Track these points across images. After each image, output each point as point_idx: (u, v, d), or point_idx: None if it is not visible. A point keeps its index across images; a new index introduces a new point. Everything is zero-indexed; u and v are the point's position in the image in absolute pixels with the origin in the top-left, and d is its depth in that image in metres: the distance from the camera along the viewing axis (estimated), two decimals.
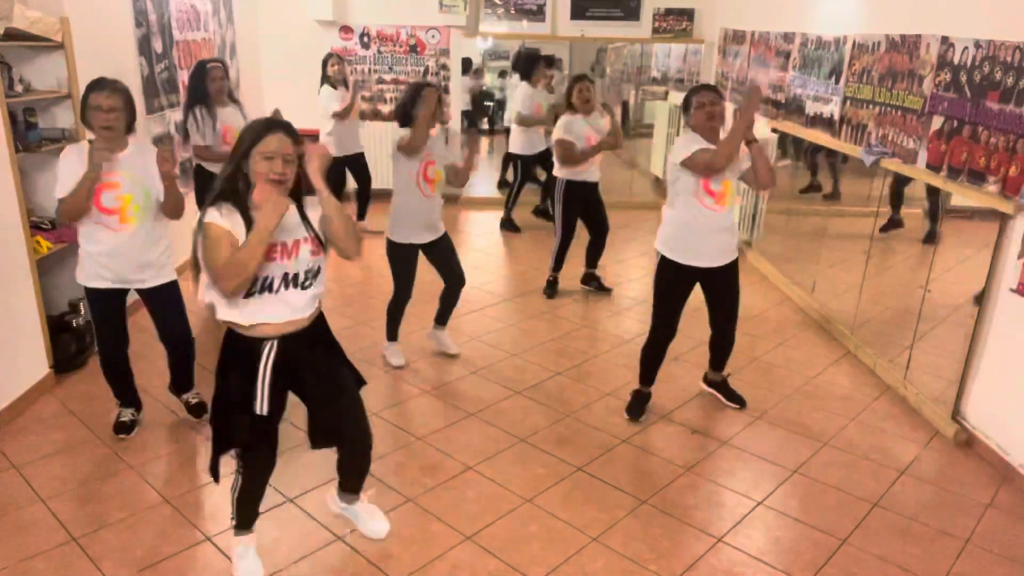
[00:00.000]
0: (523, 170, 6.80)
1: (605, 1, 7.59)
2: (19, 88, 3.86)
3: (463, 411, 3.75)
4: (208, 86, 4.62)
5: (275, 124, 2.27)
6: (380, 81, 7.71)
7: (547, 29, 7.69)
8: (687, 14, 7.62)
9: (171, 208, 3.19)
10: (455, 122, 7.89)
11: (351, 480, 2.76)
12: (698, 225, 3.42)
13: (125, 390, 3.47)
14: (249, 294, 2.27)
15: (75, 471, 3.17)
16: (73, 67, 4.04)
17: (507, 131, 7.53)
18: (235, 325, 2.33)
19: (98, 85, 3.00)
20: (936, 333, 4.02)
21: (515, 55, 7.36)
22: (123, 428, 3.43)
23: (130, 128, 3.10)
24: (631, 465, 3.33)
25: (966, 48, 3.59)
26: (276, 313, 2.32)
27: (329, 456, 3.33)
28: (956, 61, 3.66)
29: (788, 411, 3.83)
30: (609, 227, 5.32)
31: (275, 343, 2.35)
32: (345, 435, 2.60)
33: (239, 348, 2.36)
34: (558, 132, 4.99)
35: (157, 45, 5.11)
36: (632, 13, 7.63)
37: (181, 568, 2.64)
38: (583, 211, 5.24)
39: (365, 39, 7.63)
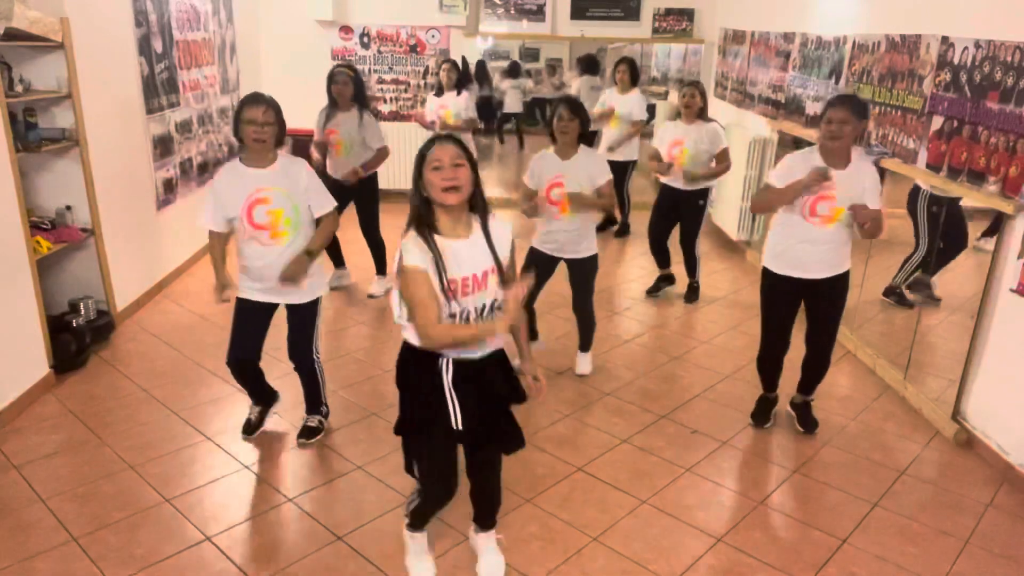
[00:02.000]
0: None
1: (605, 1, 7.59)
2: (19, 88, 3.86)
3: None
4: (330, 90, 4.83)
5: (439, 137, 2.26)
6: (380, 81, 7.71)
7: (547, 29, 7.69)
8: (687, 14, 7.62)
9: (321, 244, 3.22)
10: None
11: (478, 512, 2.71)
12: (798, 236, 3.26)
13: (257, 392, 3.47)
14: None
15: (75, 471, 3.17)
16: (73, 67, 4.04)
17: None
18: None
19: (253, 100, 3.04)
20: (936, 333, 4.02)
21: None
22: (247, 428, 3.46)
23: (280, 142, 3.11)
24: (631, 465, 3.33)
25: (966, 48, 3.59)
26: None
27: (328, 456, 3.34)
28: (956, 61, 3.66)
29: (788, 411, 3.83)
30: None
31: (450, 360, 2.30)
32: (476, 479, 2.61)
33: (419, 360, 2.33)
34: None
35: (157, 45, 5.11)
36: (632, 13, 7.63)
37: (181, 568, 2.64)
38: None
39: (365, 39, 7.63)
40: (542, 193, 3.78)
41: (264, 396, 3.51)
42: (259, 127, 3.00)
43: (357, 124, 4.85)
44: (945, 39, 3.76)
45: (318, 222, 3.20)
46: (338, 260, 5.36)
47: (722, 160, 4.99)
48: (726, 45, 7.29)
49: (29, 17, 3.66)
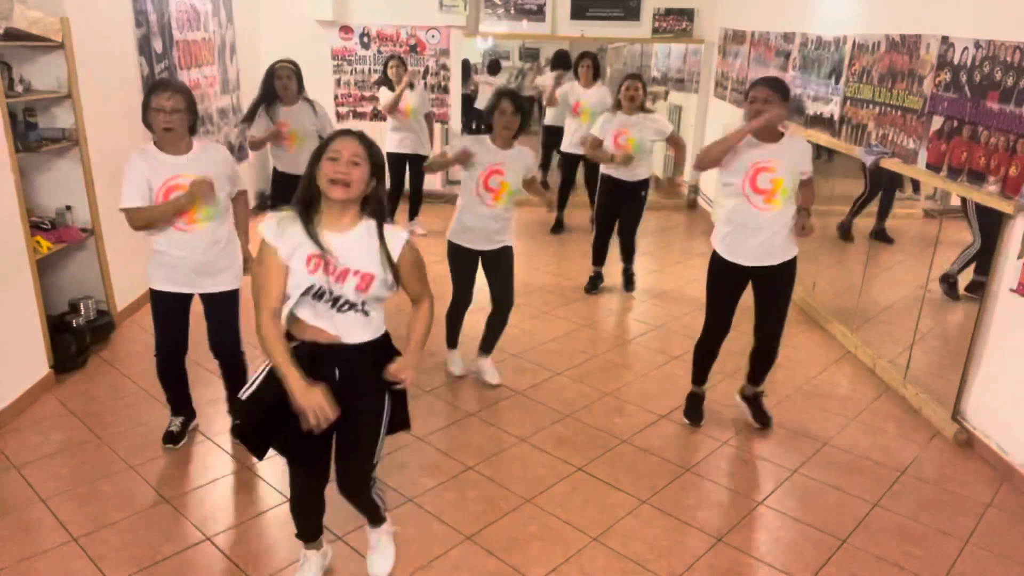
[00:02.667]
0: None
1: (605, 1, 7.58)
2: (19, 88, 3.86)
3: (463, 411, 3.75)
4: (273, 85, 4.80)
5: (347, 131, 2.20)
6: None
7: (547, 29, 7.69)
8: (687, 14, 7.62)
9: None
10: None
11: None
12: (745, 222, 3.30)
13: (177, 397, 3.41)
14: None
15: (75, 471, 3.17)
16: (73, 67, 4.03)
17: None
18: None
19: (160, 86, 2.99)
20: (936, 333, 4.02)
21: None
22: (171, 438, 3.37)
23: (193, 129, 3.06)
24: (631, 465, 3.33)
25: (966, 48, 3.59)
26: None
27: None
28: (956, 61, 3.66)
29: (788, 411, 3.83)
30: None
31: (300, 345, 2.24)
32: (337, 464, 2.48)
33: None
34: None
35: (157, 45, 5.11)
36: (632, 13, 7.63)
37: (181, 568, 2.64)
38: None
39: (365, 39, 7.63)
40: (478, 177, 3.67)
41: (183, 407, 3.44)
42: (167, 115, 2.92)
43: (311, 116, 4.81)
44: (945, 39, 3.76)
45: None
46: None
47: (676, 144, 5.25)
48: (726, 45, 7.29)
49: (29, 17, 3.66)
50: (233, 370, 3.35)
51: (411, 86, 6.26)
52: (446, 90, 7.78)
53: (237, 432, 2.33)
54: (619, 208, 5.31)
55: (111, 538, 2.77)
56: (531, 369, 4.21)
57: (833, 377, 4.23)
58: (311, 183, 2.17)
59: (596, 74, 6.48)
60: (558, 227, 7.04)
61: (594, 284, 5.50)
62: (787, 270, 3.39)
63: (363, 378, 2.28)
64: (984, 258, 3.92)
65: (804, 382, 4.14)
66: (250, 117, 4.84)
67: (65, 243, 4.07)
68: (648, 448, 3.46)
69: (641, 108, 5.06)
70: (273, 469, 3.25)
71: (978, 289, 3.84)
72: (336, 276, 2.16)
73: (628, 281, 5.53)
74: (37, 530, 2.81)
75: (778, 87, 3.24)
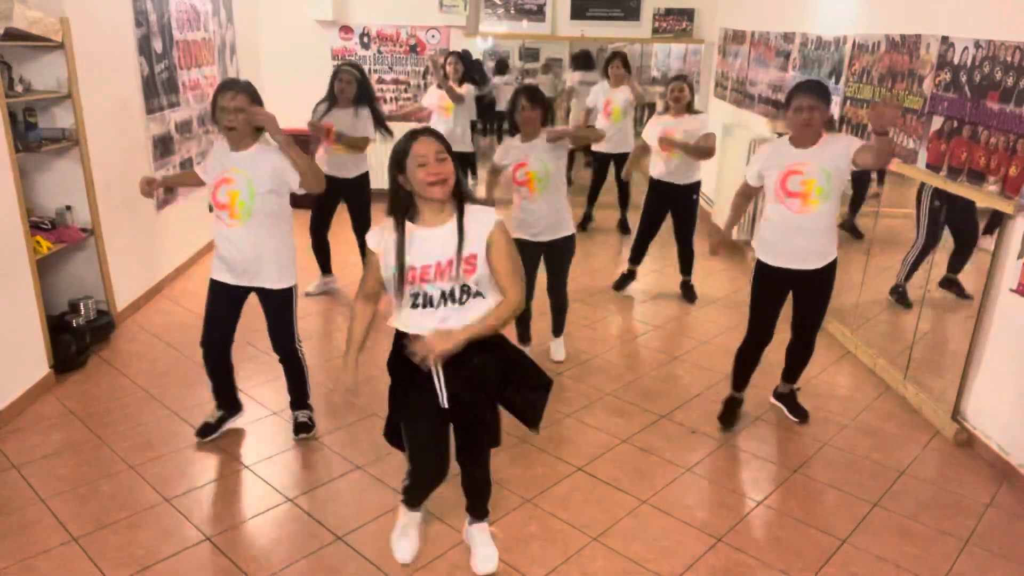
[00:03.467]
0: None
1: (605, 1, 7.59)
2: (19, 88, 3.86)
3: None
4: (333, 86, 4.86)
5: (417, 131, 2.28)
6: (380, 81, 7.71)
7: (547, 29, 7.69)
8: (687, 14, 7.62)
9: (308, 176, 3.09)
10: None
11: (468, 502, 2.74)
12: (786, 225, 3.31)
13: (219, 390, 3.44)
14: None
15: (75, 471, 3.17)
16: (73, 67, 4.04)
17: None
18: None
19: (225, 86, 3.06)
20: (936, 333, 4.02)
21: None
22: (204, 430, 3.41)
23: (259, 129, 3.11)
24: (631, 465, 3.33)
25: (966, 48, 3.59)
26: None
27: (328, 456, 3.34)
28: (956, 61, 3.66)
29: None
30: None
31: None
32: (463, 466, 2.62)
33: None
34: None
35: (157, 45, 5.11)
36: (632, 13, 7.63)
37: (181, 568, 2.64)
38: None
39: (365, 39, 7.63)
40: (510, 177, 3.87)
41: (227, 400, 3.47)
42: (231, 114, 3.00)
43: (352, 119, 4.84)
44: (945, 39, 3.76)
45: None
46: (326, 267, 5.31)
47: (708, 141, 5.04)
48: (726, 45, 7.29)
49: (29, 17, 3.66)
50: (292, 367, 3.44)
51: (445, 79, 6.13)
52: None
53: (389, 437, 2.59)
54: (666, 211, 5.26)
55: (111, 538, 2.77)
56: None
57: (833, 377, 4.23)
58: (398, 192, 2.29)
59: (628, 72, 6.49)
60: (586, 222, 7.06)
61: (624, 282, 5.48)
62: (828, 272, 3.40)
63: (487, 371, 2.40)
64: (961, 255, 3.96)
65: (804, 382, 4.13)
66: (314, 118, 4.94)
67: (65, 243, 4.08)
68: (648, 448, 3.46)
69: (688, 109, 5.02)
70: (273, 469, 3.25)
71: (952, 286, 3.88)
72: (435, 276, 2.27)
73: (687, 292, 5.40)
74: (37, 530, 2.81)
75: (822, 93, 3.20)
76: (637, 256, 5.48)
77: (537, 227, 3.92)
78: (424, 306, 2.30)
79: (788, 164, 3.25)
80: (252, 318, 3.40)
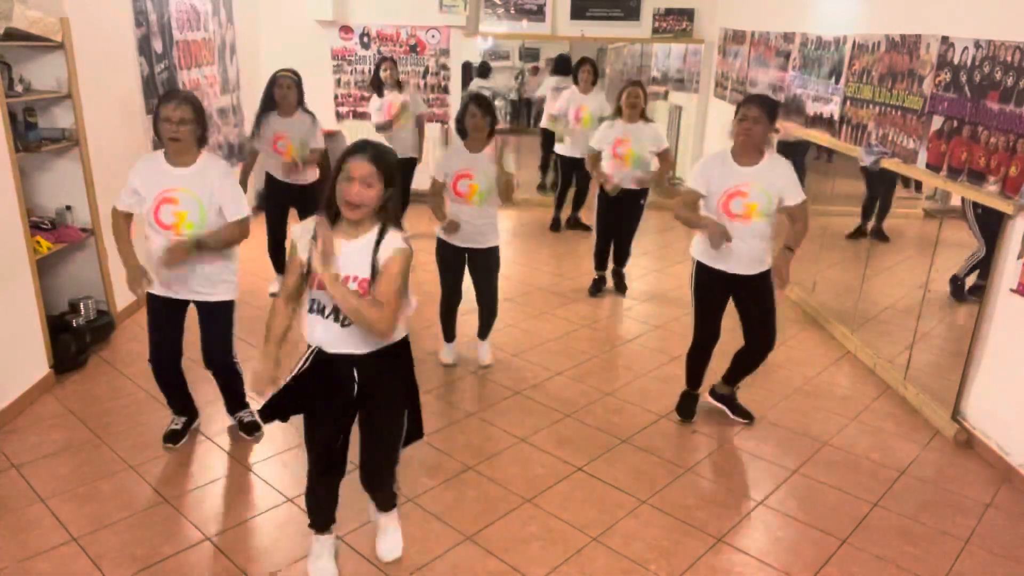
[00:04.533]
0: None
1: (605, 1, 7.59)
2: (19, 88, 3.86)
3: (463, 411, 3.75)
4: (272, 94, 4.80)
5: (361, 148, 2.28)
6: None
7: (547, 29, 7.69)
8: (687, 14, 7.62)
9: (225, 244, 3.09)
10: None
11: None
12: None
13: (176, 400, 3.42)
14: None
15: (75, 471, 3.17)
16: (73, 67, 4.03)
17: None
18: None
19: (169, 97, 2.99)
20: (936, 333, 4.03)
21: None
22: (172, 437, 3.38)
23: (202, 141, 3.05)
24: (631, 465, 3.33)
25: (966, 48, 3.59)
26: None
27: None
28: (956, 61, 3.66)
29: (788, 411, 3.83)
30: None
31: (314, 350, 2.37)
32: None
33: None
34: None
35: (157, 45, 5.11)
36: (632, 13, 7.63)
37: (181, 568, 2.64)
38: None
39: (365, 39, 7.63)
40: (449, 184, 3.85)
41: (184, 408, 3.45)
42: (174, 125, 2.91)
43: (305, 127, 4.79)
44: (945, 39, 3.76)
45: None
46: (280, 267, 5.23)
47: (665, 159, 5.15)
48: (726, 45, 7.29)
49: (29, 17, 3.66)
50: (226, 380, 3.39)
51: (399, 88, 6.24)
52: (446, 90, 7.77)
53: (265, 409, 2.42)
54: (618, 216, 5.27)
55: (111, 538, 2.77)
56: (531, 369, 4.21)
57: (833, 377, 4.23)
58: (332, 197, 2.28)
59: (595, 79, 6.54)
60: (556, 225, 7.08)
61: (597, 287, 5.48)
62: (764, 280, 3.41)
63: (382, 383, 2.42)
64: (986, 262, 3.92)
65: (804, 382, 4.14)
66: (256, 129, 4.87)
67: (65, 243, 4.07)
68: (648, 448, 3.46)
69: (642, 116, 5.02)
70: (273, 469, 3.25)
71: (980, 292, 3.84)
72: (319, 286, 2.28)
73: (619, 283, 5.50)
74: (37, 530, 2.80)
75: (770, 108, 3.25)
76: (601, 262, 5.47)
77: (464, 234, 3.89)
78: (318, 312, 2.34)
79: (732, 184, 3.25)
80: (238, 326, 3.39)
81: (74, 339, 4.04)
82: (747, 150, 3.28)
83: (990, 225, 3.57)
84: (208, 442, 3.42)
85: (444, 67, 7.72)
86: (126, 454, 3.30)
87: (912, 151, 4.01)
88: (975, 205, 4.09)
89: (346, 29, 7.59)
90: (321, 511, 2.61)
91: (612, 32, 7.80)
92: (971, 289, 3.98)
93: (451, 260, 4.01)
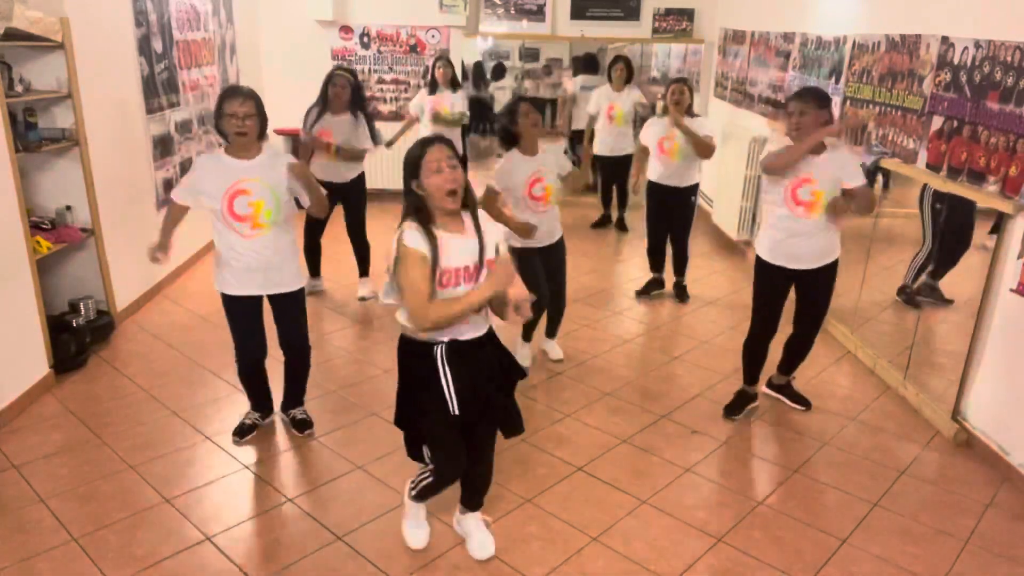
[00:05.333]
0: None
1: (605, 1, 7.59)
2: (19, 88, 3.86)
3: None
4: (327, 91, 4.81)
5: (429, 139, 2.34)
6: (380, 81, 7.71)
7: (547, 29, 7.69)
8: (687, 14, 7.62)
9: (316, 205, 3.29)
10: None
11: (467, 493, 2.77)
12: (789, 231, 3.40)
13: (260, 395, 3.49)
14: None
15: (75, 471, 3.17)
16: (73, 67, 4.04)
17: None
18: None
19: (232, 93, 3.06)
20: (936, 333, 4.02)
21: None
22: (242, 430, 3.45)
23: (263, 134, 3.13)
24: (631, 465, 3.33)
25: (966, 48, 3.59)
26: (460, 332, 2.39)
27: (328, 456, 3.34)
28: (956, 61, 3.66)
29: (788, 411, 3.83)
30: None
31: (444, 346, 2.38)
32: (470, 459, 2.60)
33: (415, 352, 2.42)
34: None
35: (157, 45, 5.11)
36: (632, 13, 7.63)
37: (181, 568, 2.64)
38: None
39: (365, 39, 7.63)
40: (522, 194, 3.78)
41: (264, 403, 3.52)
42: (240, 120, 3.00)
43: (351, 127, 4.81)
44: (945, 39, 3.76)
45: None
46: (315, 269, 5.26)
47: (711, 140, 4.98)
48: (726, 45, 7.29)
49: (29, 17, 3.66)
50: (301, 364, 3.47)
51: (452, 88, 6.29)
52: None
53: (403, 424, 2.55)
54: (669, 214, 5.23)
55: (111, 538, 2.77)
56: (532, 369, 4.21)
57: (833, 377, 4.23)
58: (414, 198, 2.32)
59: (629, 77, 6.55)
60: (605, 222, 7.13)
61: (648, 290, 5.41)
62: (829, 271, 3.51)
63: (493, 370, 2.48)
64: (945, 257, 3.96)
65: (804, 382, 4.14)
66: (305, 124, 4.89)
67: (65, 243, 4.08)
68: (648, 448, 3.46)
69: (687, 112, 4.96)
70: (273, 469, 3.25)
71: (931, 292, 3.89)
72: (463, 279, 2.34)
73: (681, 292, 5.36)
74: (37, 530, 2.81)
75: (814, 97, 3.29)
76: (655, 263, 5.43)
77: (540, 235, 3.87)
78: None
79: (800, 173, 3.30)
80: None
81: (74, 339, 4.04)
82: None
83: (948, 222, 3.63)
84: (208, 442, 3.42)
85: None
86: (126, 454, 3.30)
87: (912, 151, 4.01)
88: (935, 200, 4.12)
89: (346, 29, 7.59)
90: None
91: (612, 32, 7.80)
92: (922, 290, 4.02)
93: (534, 261, 3.87)
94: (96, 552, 2.70)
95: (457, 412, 2.38)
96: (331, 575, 2.64)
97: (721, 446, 3.51)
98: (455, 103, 6.29)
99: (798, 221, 3.36)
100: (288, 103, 5.97)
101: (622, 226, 7.09)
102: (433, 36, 7.61)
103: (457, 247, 2.32)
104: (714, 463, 3.37)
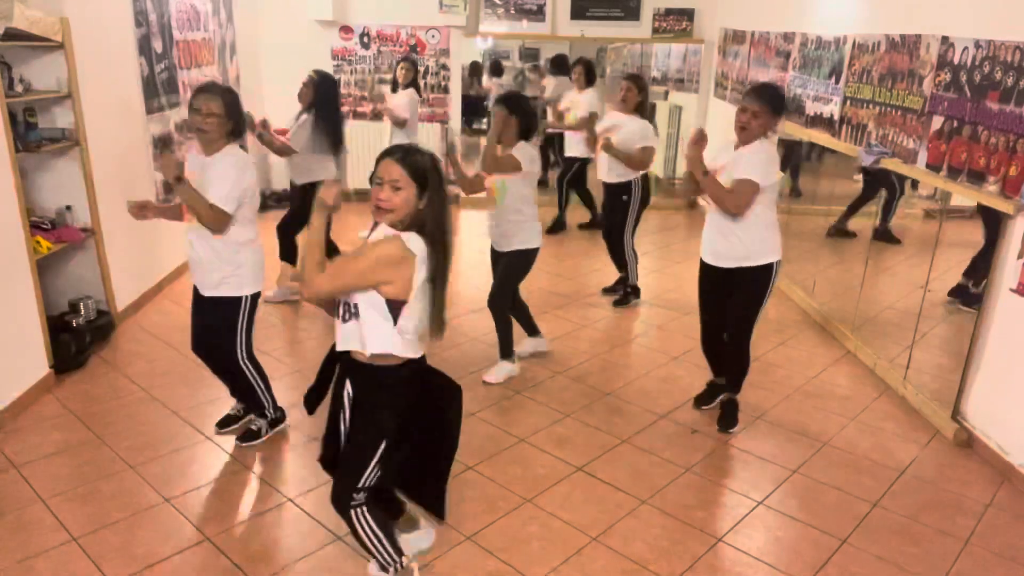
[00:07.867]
0: None
1: (605, 1, 7.59)
2: (19, 88, 3.86)
3: (463, 411, 3.74)
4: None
5: (391, 151, 2.21)
6: (380, 81, 7.71)
7: (547, 29, 7.69)
8: (687, 14, 7.62)
9: (202, 221, 3.00)
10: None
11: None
12: (708, 223, 3.47)
13: (224, 382, 3.50)
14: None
15: (75, 471, 3.17)
16: (73, 67, 4.03)
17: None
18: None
19: (201, 89, 3.06)
20: (936, 333, 4.02)
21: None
22: (224, 421, 3.51)
23: (234, 134, 3.08)
24: (631, 465, 3.33)
25: (966, 48, 3.59)
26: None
27: None
28: (956, 61, 3.66)
29: (788, 411, 3.83)
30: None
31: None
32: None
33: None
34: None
35: (157, 45, 5.11)
36: (632, 13, 7.63)
37: (181, 568, 2.64)
38: None
39: (365, 39, 7.63)
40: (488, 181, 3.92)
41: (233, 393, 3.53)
42: (201, 117, 3.00)
43: (305, 127, 4.76)
44: (945, 39, 3.76)
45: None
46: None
47: (642, 153, 4.87)
48: (726, 45, 7.29)
49: (29, 17, 3.66)
50: (224, 375, 3.44)
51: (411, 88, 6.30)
52: (446, 90, 7.77)
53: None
54: (607, 214, 5.25)
55: (111, 538, 2.77)
56: (531, 369, 4.21)
57: (833, 377, 4.23)
58: None
59: (589, 80, 6.59)
60: (558, 227, 7.07)
61: (612, 288, 5.46)
62: (747, 276, 3.35)
63: (366, 397, 2.32)
64: (983, 262, 3.92)
65: (804, 382, 4.14)
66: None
67: (65, 243, 4.08)
68: (648, 448, 3.46)
69: (637, 110, 4.95)
70: (273, 469, 3.25)
71: (962, 293, 3.88)
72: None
73: (622, 291, 5.31)
74: (37, 530, 2.80)
75: (771, 101, 3.27)
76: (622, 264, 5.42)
77: (493, 236, 4.04)
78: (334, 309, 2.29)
79: (719, 163, 3.35)
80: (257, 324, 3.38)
81: (74, 339, 4.04)
82: (745, 140, 3.32)
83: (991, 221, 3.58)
84: (208, 442, 3.43)
85: (444, 67, 7.72)
86: (126, 454, 3.30)
87: (912, 151, 4.01)
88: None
89: (346, 29, 7.58)
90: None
91: (612, 32, 7.80)
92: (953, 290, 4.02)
93: (495, 259, 4.14)
94: (96, 552, 2.70)
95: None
96: (331, 575, 2.64)
97: (721, 446, 3.51)
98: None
99: (711, 214, 3.40)
100: (288, 103, 5.96)
101: (561, 225, 7.03)
102: (433, 36, 7.61)
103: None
104: (714, 463, 3.37)
